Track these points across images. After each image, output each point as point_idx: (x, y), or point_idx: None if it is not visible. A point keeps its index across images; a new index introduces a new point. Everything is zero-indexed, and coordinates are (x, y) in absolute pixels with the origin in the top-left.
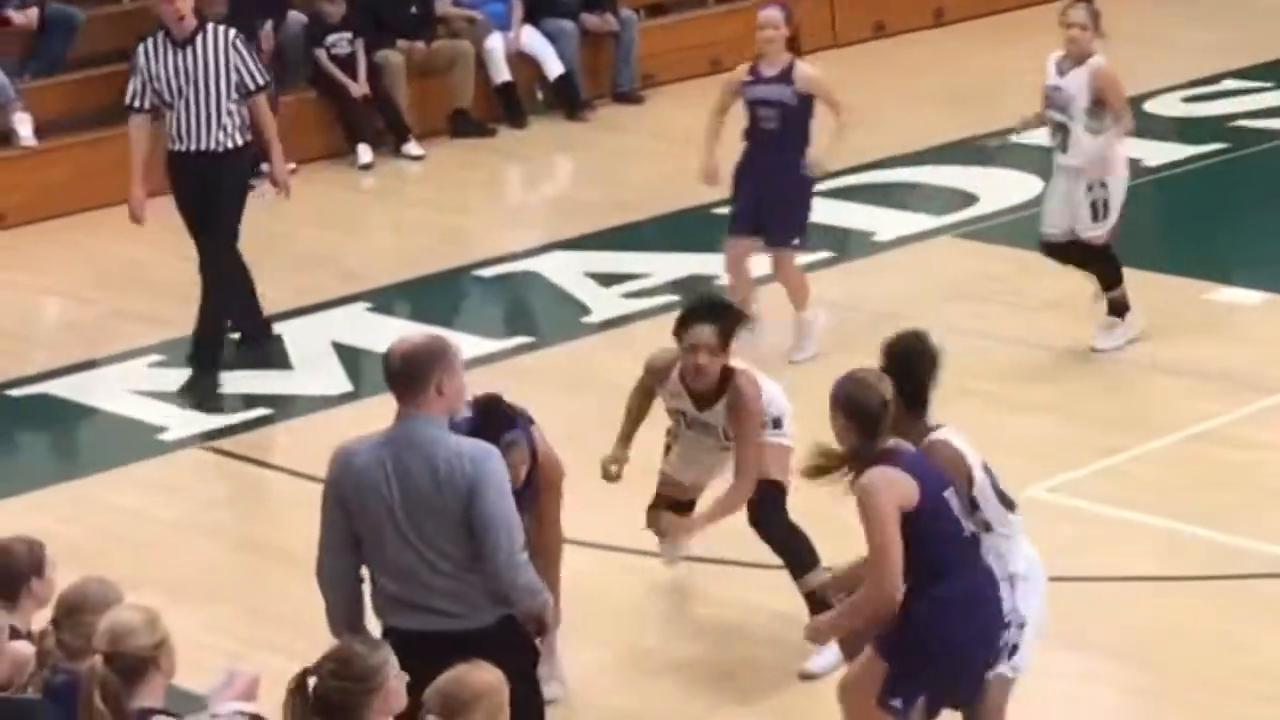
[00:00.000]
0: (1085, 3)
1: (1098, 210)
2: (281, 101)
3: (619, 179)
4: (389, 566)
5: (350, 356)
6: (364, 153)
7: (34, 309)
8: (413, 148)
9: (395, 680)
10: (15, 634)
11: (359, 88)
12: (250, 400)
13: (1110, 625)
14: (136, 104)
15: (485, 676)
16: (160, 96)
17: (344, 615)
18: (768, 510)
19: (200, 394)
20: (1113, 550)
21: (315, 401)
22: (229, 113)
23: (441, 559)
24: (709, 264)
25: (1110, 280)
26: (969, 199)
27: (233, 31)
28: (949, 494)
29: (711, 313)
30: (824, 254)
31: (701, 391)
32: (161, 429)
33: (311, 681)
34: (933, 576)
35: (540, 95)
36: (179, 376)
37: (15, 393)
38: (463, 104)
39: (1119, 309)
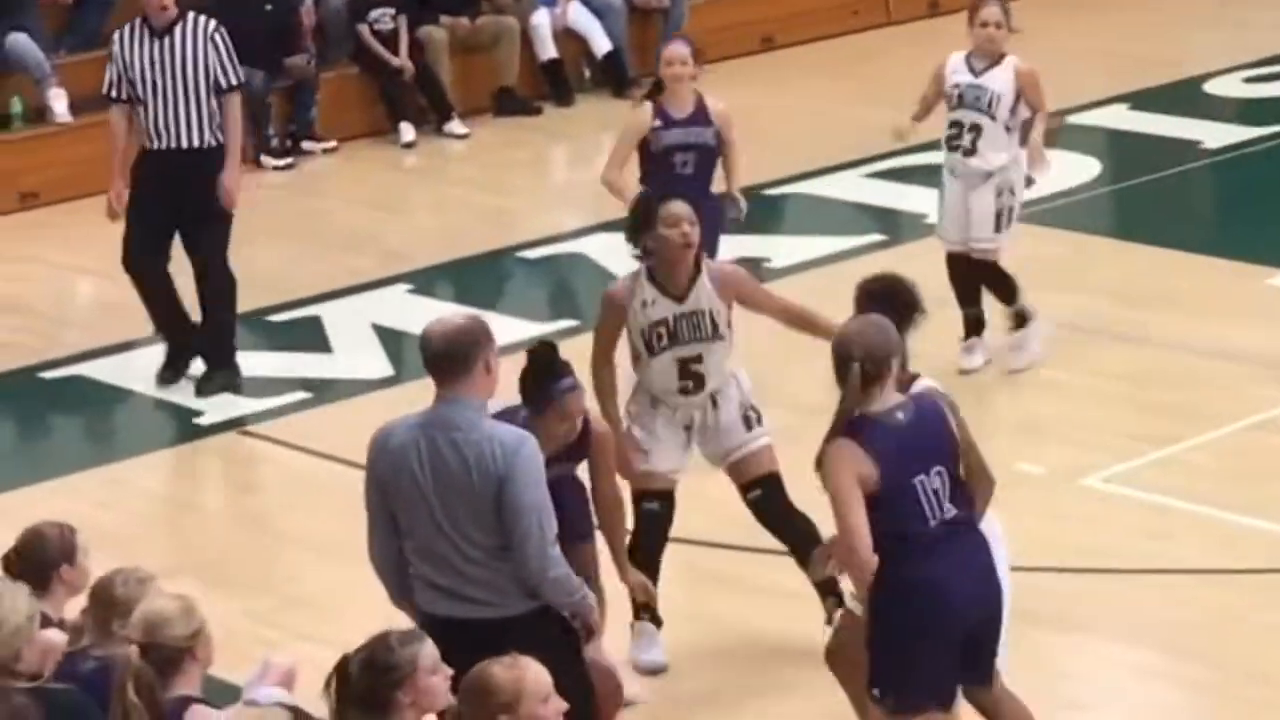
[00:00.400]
0: (998, 1)
1: (1002, 220)
2: (323, 78)
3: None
4: (423, 551)
5: (391, 339)
6: (406, 131)
7: (67, 289)
8: (456, 126)
9: (428, 677)
10: (46, 621)
11: (401, 62)
12: (288, 384)
13: (1165, 618)
14: (113, 93)
15: (511, 674)
16: (134, 88)
17: (402, 596)
18: (774, 503)
19: (223, 384)
20: (1169, 541)
21: (355, 385)
22: (208, 109)
23: (472, 546)
24: (759, 245)
25: (1009, 293)
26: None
27: (213, 24)
28: (919, 481)
29: (664, 196)
30: (875, 237)
31: (681, 279)
32: (198, 413)
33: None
34: (893, 562)
35: (587, 73)
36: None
37: (48, 375)
38: (508, 81)
39: (1025, 319)
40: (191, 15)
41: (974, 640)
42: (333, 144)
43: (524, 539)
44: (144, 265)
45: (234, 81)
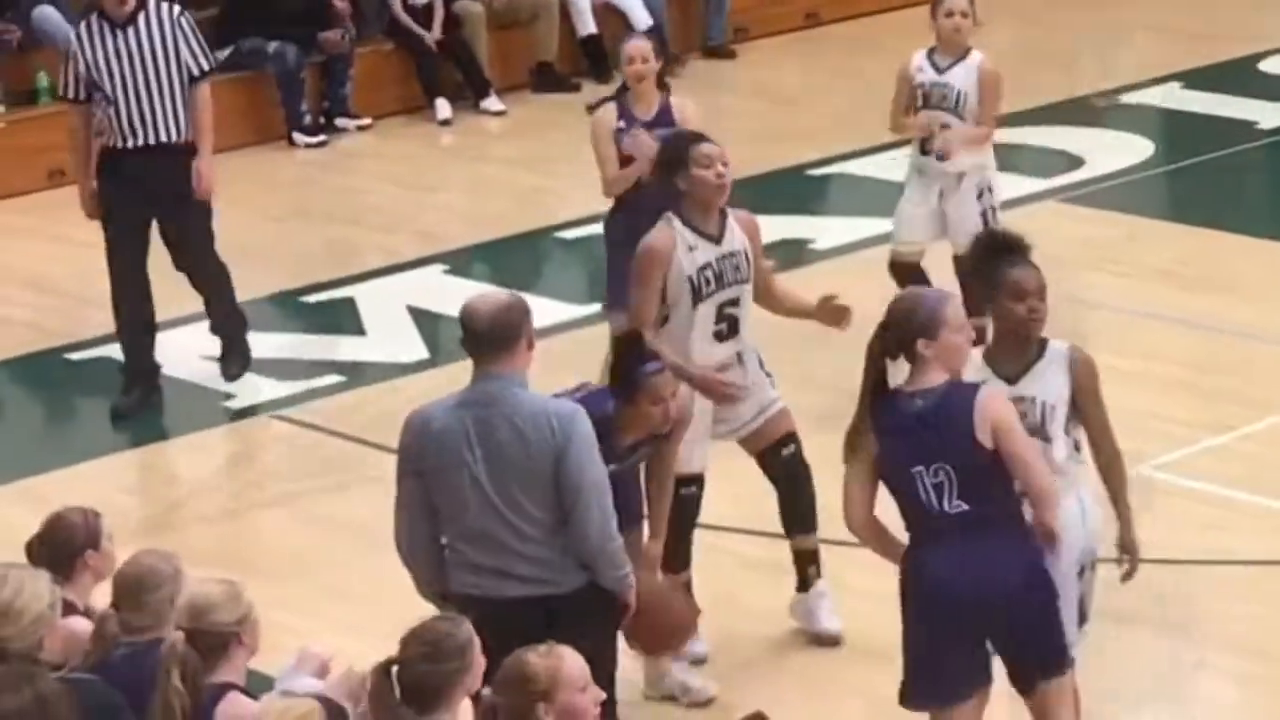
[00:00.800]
0: None
1: (987, 220)
2: (357, 54)
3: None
4: (470, 533)
5: (426, 321)
6: (443, 108)
7: (94, 268)
8: (493, 103)
9: (479, 656)
10: (71, 609)
11: (434, 37)
12: (321, 367)
13: (1219, 610)
14: (72, 94)
15: (548, 663)
16: (99, 86)
17: (431, 584)
18: (801, 461)
19: (245, 364)
20: (1223, 531)
21: (389, 368)
22: (182, 101)
23: (527, 523)
24: (801, 227)
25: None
26: (1074, 161)
27: (177, 8)
28: (917, 471)
29: (696, 136)
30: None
31: (716, 220)
32: (229, 395)
33: (396, 669)
34: (908, 545)
35: None
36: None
37: (75, 356)
38: (546, 57)
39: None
40: (153, 2)
41: (991, 639)
42: (367, 121)
43: (586, 510)
44: (130, 283)
45: (206, 68)
